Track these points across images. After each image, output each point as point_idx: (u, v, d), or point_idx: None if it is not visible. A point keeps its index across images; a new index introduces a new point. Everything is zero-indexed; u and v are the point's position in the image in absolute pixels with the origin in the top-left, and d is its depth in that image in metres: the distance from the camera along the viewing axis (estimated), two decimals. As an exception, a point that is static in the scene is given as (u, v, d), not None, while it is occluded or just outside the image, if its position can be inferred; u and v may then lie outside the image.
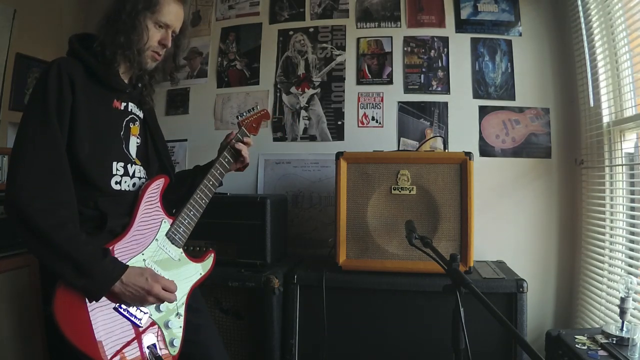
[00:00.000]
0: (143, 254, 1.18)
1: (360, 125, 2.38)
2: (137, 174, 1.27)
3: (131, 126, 1.28)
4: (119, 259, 1.11)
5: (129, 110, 1.28)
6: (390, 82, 2.36)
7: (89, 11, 2.68)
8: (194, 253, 1.33)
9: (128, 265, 1.11)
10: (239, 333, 1.85)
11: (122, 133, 1.24)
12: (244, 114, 1.50)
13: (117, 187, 1.20)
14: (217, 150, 1.45)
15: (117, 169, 1.21)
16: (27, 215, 1.01)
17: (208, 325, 1.40)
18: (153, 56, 1.26)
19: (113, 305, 1.10)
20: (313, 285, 1.77)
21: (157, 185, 1.27)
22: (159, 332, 1.19)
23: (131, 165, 1.25)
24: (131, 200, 1.22)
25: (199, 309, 1.35)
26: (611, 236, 1.87)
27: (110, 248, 1.11)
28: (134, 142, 1.28)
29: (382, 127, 2.35)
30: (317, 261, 1.96)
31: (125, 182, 1.23)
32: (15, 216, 1.02)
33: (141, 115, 1.33)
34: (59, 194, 1.07)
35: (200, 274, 1.33)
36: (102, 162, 1.18)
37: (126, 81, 1.28)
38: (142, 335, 1.14)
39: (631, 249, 1.72)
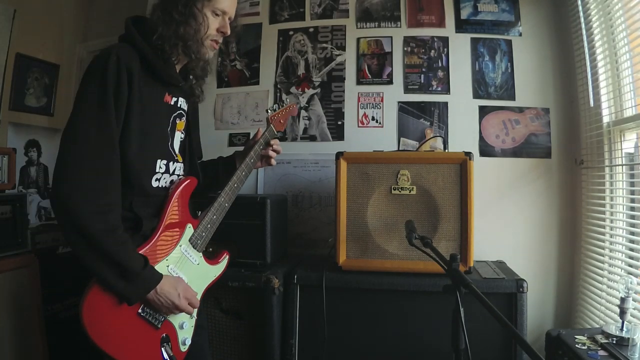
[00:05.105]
0: (167, 260, 1.17)
1: (360, 125, 2.38)
2: (176, 172, 1.25)
3: (177, 121, 1.25)
4: None
5: (179, 105, 1.25)
6: (390, 82, 2.36)
7: (89, 11, 2.68)
8: (206, 254, 1.32)
9: (162, 275, 1.10)
10: (239, 333, 1.85)
11: (169, 129, 1.21)
12: (275, 108, 1.47)
13: (155, 184, 1.17)
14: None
15: (159, 167, 1.18)
16: (77, 218, 0.98)
17: (205, 328, 1.40)
18: (212, 45, 1.23)
19: (136, 309, 1.10)
20: (313, 285, 1.77)
21: (186, 188, 1.23)
22: (174, 332, 1.20)
23: (173, 163, 1.23)
24: (161, 201, 1.19)
25: (200, 311, 1.34)
26: (611, 236, 1.86)
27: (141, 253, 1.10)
28: (178, 138, 1.26)
29: (382, 127, 2.35)
30: (317, 261, 1.96)
31: (165, 179, 1.20)
32: (63, 215, 0.99)
33: (187, 109, 1.30)
34: (110, 196, 1.03)
35: (215, 275, 1.33)
36: (147, 160, 1.14)
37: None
38: (159, 335, 1.15)
39: (631, 249, 1.72)
